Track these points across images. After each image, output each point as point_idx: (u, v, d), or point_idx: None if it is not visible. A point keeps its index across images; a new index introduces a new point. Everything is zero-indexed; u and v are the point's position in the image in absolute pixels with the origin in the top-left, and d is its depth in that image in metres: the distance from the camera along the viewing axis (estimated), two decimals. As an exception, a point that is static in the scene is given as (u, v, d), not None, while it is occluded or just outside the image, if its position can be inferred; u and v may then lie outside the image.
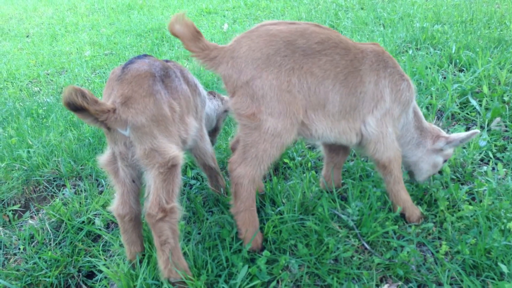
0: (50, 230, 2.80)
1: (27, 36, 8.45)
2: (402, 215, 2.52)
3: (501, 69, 3.89)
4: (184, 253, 2.30)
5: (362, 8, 6.94)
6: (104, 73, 5.85)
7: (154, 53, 6.32)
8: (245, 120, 2.11)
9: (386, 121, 2.34)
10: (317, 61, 2.13)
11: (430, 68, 4.14)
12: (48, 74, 6.08)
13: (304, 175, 2.84)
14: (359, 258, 2.30)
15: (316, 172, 2.97)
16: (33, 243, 2.75)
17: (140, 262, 2.32)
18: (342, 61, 2.18)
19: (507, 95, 3.47)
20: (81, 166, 3.40)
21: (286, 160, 3.07)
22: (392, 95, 2.33)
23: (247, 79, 2.07)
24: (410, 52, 4.66)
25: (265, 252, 2.27)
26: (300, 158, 3.13)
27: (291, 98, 2.10)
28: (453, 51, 4.37)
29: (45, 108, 4.62)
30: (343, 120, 2.27)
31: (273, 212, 2.56)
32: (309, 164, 2.97)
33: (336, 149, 2.67)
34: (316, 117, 2.21)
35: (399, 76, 2.35)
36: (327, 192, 2.70)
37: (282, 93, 2.07)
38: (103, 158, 2.23)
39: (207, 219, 2.64)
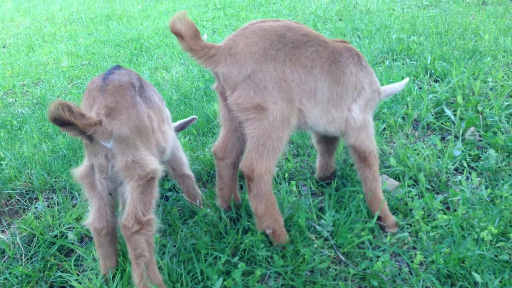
0: (22, 244, 2.73)
1: (4, 47, 8.32)
2: (380, 225, 2.52)
3: (475, 79, 3.96)
4: (159, 267, 2.26)
5: (340, 19, 7.01)
6: (81, 83, 5.78)
7: (133, 63, 6.28)
8: (251, 112, 2.15)
9: (367, 111, 2.51)
10: (304, 52, 2.25)
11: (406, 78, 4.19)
12: (24, 85, 5.99)
13: (281, 185, 2.83)
14: (335, 269, 2.29)
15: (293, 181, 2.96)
16: (4, 258, 2.68)
17: (113, 277, 2.27)
18: (325, 52, 2.31)
19: (481, 105, 3.52)
20: (55, 178, 3.34)
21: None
22: (370, 86, 2.51)
23: (248, 73, 2.14)
24: (387, 62, 4.71)
25: (241, 264, 2.24)
26: (277, 169, 3.12)
27: (288, 86, 2.20)
28: (429, 62, 4.43)
29: (19, 119, 4.54)
30: (332, 109, 2.38)
31: (249, 224, 2.54)
32: (286, 175, 2.96)
33: (328, 140, 2.80)
34: (309, 105, 2.30)
35: (370, 69, 2.54)
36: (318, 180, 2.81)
37: (281, 83, 2.17)
38: (79, 171, 2.19)
39: (182, 231, 2.60)
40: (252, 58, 2.14)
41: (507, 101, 3.54)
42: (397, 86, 2.88)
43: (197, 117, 3.24)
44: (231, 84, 2.17)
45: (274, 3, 8.81)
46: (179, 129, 3.13)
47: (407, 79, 2.94)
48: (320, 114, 2.34)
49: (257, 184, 2.20)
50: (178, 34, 2.09)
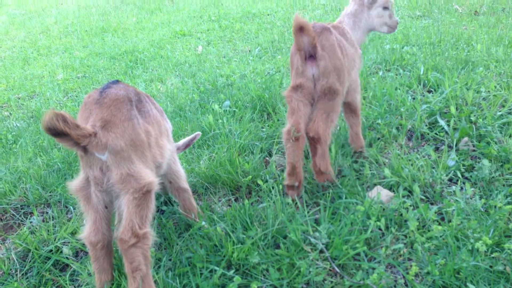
0: (17, 260, 2.72)
1: (-2, 60, 8.33)
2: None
3: (467, 89, 3.99)
4: (155, 281, 2.26)
5: (334, 30, 7.05)
6: (76, 96, 5.79)
7: (128, 75, 6.30)
8: (331, 94, 2.78)
9: (357, 74, 3.17)
10: (345, 42, 2.98)
11: (399, 89, 4.22)
12: (19, 98, 5.99)
13: (277, 198, 2.83)
14: (331, 282, 2.29)
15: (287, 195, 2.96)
16: (-2, 274, 2.67)
17: (109, 291, 2.27)
18: (349, 39, 3.08)
19: (474, 115, 3.55)
20: (50, 192, 3.33)
21: (259, 182, 3.05)
22: (355, 53, 3.11)
23: (334, 65, 2.76)
24: (380, 73, 4.75)
25: (236, 278, 2.24)
26: (272, 181, 3.12)
27: (347, 71, 2.90)
28: (422, 72, 4.46)
29: (14, 133, 4.54)
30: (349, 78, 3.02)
31: (244, 236, 2.54)
32: (281, 187, 2.96)
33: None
34: (349, 79, 2.98)
35: (351, 37, 3.15)
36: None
37: (345, 69, 2.84)
38: (74, 184, 2.19)
39: (177, 244, 2.60)
40: (337, 53, 2.77)
41: (499, 111, 3.57)
42: None
43: (200, 133, 3.29)
44: (327, 73, 2.76)
45: (268, 14, 8.87)
46: (185, 147, 3.12)
47: None
48: (348, 82, 3.00)
49: (323, 146, 2.82)
50: (303, 29, 2.61)
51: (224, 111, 4.31)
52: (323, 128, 2.78)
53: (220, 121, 4.00)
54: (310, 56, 2.76)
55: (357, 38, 3.29)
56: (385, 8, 3.35)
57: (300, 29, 2.60)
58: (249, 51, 6.67)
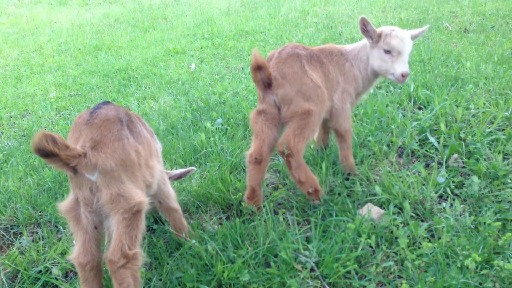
0: (5, 281, 2.69)
1: (-9, 78, 8.32)
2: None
3: (457, 106, 4.03)
4: (144, 301, 2.25)
5: (325, 48, 7.10)
6: (69, 114, 5.79)
7: (121, 93, 6.31)
8: (302, 114, 2.81)
9: (344, 98, 3.13)
10: (332, 66, 3.09)
11: (390, 106, 4.26)
12: (11, 117, 5.98)
13: (268, 216, 2.83)
14: (322, 301, 2.28)
15: (279, 214, 2.96)
16: (-13, 296, 2.64)
17: (98, 312, 2.24)
18: (323, 60, 3.07)
19: (463, 132, 3.58)
20: (40, 212, 3.31)
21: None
22: (342, 77, 3.13)
23: (298, 88, 2.81)
24: (371, 90, 4.78)
25: (226, 298, 2.23)
26: (264, 198, 3.12)
27: (321, 91, 2.90)
28: (412, 90, 4.51)
29: (5, 152, 4.52)
30: (328, 101, 3.04)
31: (234, 255, 2.54)
32: (272, 205, 2.96)
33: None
34: (326, 99, 2.97)
35: (343, 61, 3.16)
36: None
37: (316, 89, 2.87)
38: (64, 205, 2.19)
39: (167, 263, 2.59)
40: (302, 78, 2.82)
41: (488, 128, 3.60)
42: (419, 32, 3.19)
43: (195, 169, 3.35)
44: (287, 100, 2.83)
45: (261, 32, 8.94)
46: (176, 178, 3.14)
47: (427, 26, 3.28)
48: (326, 106, 3.01)
49: (296, 158, 2.82)
50: (260, 67, 2.73)
51: (216, 129, 4.33)
52: (293, 141, 2.81)
53: (212, 139, 4.01)
54: (269, 84, 2.84)
55: (360, 70, 3.15)
56: (387, 51, 2.99)
57: (258, 67, 2.72)
58: (242, 68, 6.72)
